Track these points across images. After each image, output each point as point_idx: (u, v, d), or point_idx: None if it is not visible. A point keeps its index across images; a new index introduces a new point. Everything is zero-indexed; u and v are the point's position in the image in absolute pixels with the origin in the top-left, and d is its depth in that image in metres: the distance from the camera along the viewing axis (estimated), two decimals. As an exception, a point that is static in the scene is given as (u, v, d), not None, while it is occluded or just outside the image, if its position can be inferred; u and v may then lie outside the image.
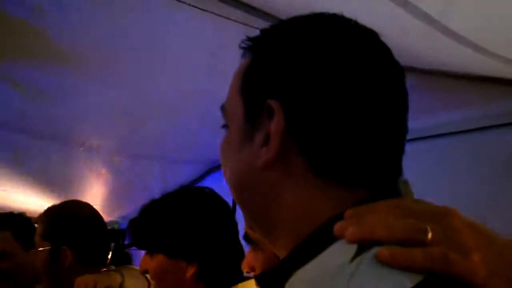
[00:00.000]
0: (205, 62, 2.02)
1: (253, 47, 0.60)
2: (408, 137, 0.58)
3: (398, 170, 0.57)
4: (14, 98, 2.33)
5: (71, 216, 1.67)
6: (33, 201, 3.02)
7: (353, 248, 0.47)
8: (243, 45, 0.61)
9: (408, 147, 0.58)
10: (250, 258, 1.20)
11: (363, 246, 0.47)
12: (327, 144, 0.54)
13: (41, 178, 3.00)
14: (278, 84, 0.56)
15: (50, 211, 1.69)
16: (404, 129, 0.57)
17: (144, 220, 1.29)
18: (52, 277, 1.64)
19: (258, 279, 0.58)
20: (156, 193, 1.35)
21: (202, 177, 3.39)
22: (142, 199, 1.37)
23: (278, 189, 0.56)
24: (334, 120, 0.53)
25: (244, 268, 1.13)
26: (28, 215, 2.11)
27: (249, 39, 0.61)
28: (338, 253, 0.48)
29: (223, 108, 0.63)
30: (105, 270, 1.67)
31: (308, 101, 0.54)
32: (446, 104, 2.11)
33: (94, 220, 1.71)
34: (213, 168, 3.28)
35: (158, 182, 3.00)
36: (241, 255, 1.28)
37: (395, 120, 0.56)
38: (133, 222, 1.31)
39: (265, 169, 0.56)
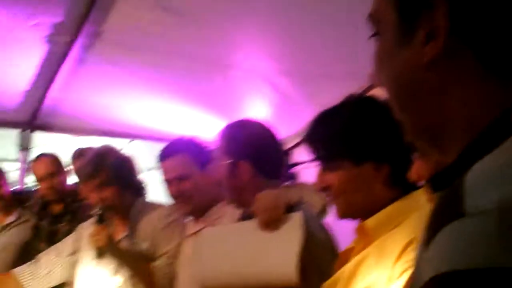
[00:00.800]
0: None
1: None
2: None
3: None
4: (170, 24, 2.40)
5: (247, 130, 1.76)
6: (199, 124, 3.09)
7: None
8: None
9: None
10: (418, 166, 1.07)
11: None
12: (495, 34, 0.51)
13: (204, 102, 3.08)
14: None
15: (229, 127, 1.78)
16: None
17: (323, 129, 1.23)
18: (234, 190, 1.74)
19: (431, 181, 0.57)
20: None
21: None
22: (306, 120, 1.30)
23: (445, 87, 0.55)
24: (502, 8, 0.51)
25: (413, 177, 1.03)
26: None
27: None
28: None
29: (371, 16, 0.61)
30: (284, 186, 1.71)
31: None
32: None
33: (268, 134, 1.78)
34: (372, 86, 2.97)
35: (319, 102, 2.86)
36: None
37: None
38: (310, 134, 1.26)
39: (430, 67, 0.54)
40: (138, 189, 2.38)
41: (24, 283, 2.31)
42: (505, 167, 0.46)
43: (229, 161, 1.72)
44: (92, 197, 2.26)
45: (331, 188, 1.22)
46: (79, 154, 2.74)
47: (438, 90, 0.55)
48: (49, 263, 2.37)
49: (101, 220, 2.21)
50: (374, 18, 0.61)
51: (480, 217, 0.44)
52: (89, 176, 2.24)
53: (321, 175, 1.23)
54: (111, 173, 2.24)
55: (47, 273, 2.35)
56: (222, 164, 1.74)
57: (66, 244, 2.43)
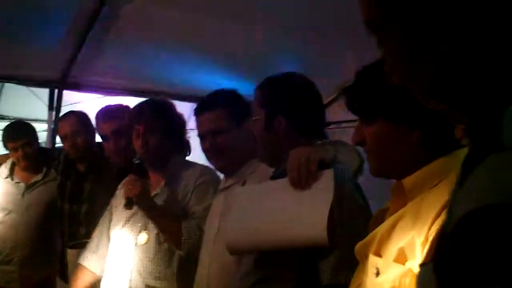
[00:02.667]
0: None
1: None
2: None
3: None
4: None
5: (287, 85, 1.72)
6: (231, 82, 3.00)
7: None
8: None
9: None
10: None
11: None
12: None
13: (235, 59, 3.04)
14: None
15: (267, 80, 1.75)
16: None
17: (364, 84, 1.20)
18: (268, 145, 1.72)
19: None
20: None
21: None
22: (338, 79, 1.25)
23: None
24: None
25: (458, 134, 1.06)
26: None
27: None
28: None
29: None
30: (320, 143, 1.68)
31: None
32: None
33: (309, 90, 1.74)
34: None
35: (352, 61, 2.70)
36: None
37: None
38: (351, 88, 1.23)
39: None
40: (181, 146, 2.38)
41: (93, 270, 2.38)
42: None
43: (265, 114, 1.69)
44: (136, 143, 2.26)
45: (365, 143, 1.20)
46: (104, 113, 2.72)
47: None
48: (98, 235, 2.42)
49: (138, 171, 2.21)
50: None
51: None
52: (139, 120, 2.25)
53: (359, 128, 1.22)
54: (159, 122, 2.26)
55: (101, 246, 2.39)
56: (258, 118, 1.72)
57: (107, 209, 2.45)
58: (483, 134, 0.48)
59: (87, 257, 2.41)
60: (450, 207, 0.50)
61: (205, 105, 2.09)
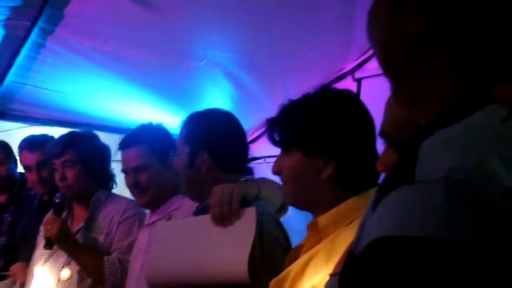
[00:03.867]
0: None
1: None
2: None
3: None
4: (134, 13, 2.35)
5: (209, 121, 1.71)
6: (158, 115, 2.98)
7: (504, 112, 0.47)
8: None
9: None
10: (385, 154, 1.07)
11: None
12: (475, 24, 0.53)
13: (164, 93, 3.03)
14: None
15: (192, 116, 1.75)
16: None
17: (284, 117, 1.24)
18: (191, 182, 1.72)
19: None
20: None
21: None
22: (265, 114, 1.31)
23: (427, 60, 0.56)
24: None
25: (379, 167, 1.03)
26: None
27: None
28: (487, 115, 0.48)
29: None
30: (243, 180, 1.69)
31: None
32: None
33: (233, 126, 1.74)
34: (338, 78, 3.01)
35: (280, 96, 2.76)
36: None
37: None
38: (272, 120, 1.26)
39: (417, 38, 0.56)
40: (104, 179, 2.34)
41: None
42: (460, 138, 0.46)
43: (188, 151, 1.69)
44: (57, 177, 2.22)
45: (284, 173, 1.24)
46: (28, 143, 2.64)
47: (421, 61, 0.56)
48: None
49: (57, 209, 2.17)
50: None
51: (427, 185, 0.43)
52: (57, 153, 2.22)
53: (278, 159, 1.25)
54: (77, 154, 2.23)
55: None
56: (180, 154, 1.72)
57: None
58: (401, 165, 0.50)
59: None
60: (361, 227, 0.52)
61: (128, 141, 2.08)
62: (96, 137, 2.38)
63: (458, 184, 0.42)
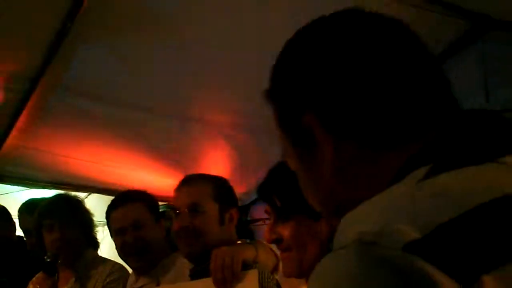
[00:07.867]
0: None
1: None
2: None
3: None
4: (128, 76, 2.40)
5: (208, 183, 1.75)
6: (155, 178, 3.03)
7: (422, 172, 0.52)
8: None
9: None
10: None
11: None
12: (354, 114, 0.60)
13: (161, 155, 3.04)
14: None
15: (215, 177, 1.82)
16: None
17: (281, 182, 1.15)
18: (222, 238, 1.67)
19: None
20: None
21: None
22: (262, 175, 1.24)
23: (349, 187, 0.62)
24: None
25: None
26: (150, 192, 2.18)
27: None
28: (409, 179, 0.52)
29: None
30: (240, 243, 1.70)
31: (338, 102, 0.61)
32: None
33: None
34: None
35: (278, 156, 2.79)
36: None
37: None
38: (266, 186, 1.20)
39: (333, 174, 0.63)
40: (91, 241, 2.36)
41: None
42: (370, 208, 0.51)
43: (188, 211, 1.67)
44: (48, 238, 2.23)
45: (283, 241, 1.15)
46: (28, 206, 2.63)
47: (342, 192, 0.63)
48: None
49: (49, 269, 2.15)
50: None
51: (343, 250, 0.47)
52: (49, 214, 2.24)
53: (272, 226, 1.17)
54: (76, 216, 2.27)
55: None
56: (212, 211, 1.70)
57: None
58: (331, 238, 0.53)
59: None
60: None
61: (123, 199, 2.02)
62: (82, 201, 2.46)
63: (368, 244, 0.45)
